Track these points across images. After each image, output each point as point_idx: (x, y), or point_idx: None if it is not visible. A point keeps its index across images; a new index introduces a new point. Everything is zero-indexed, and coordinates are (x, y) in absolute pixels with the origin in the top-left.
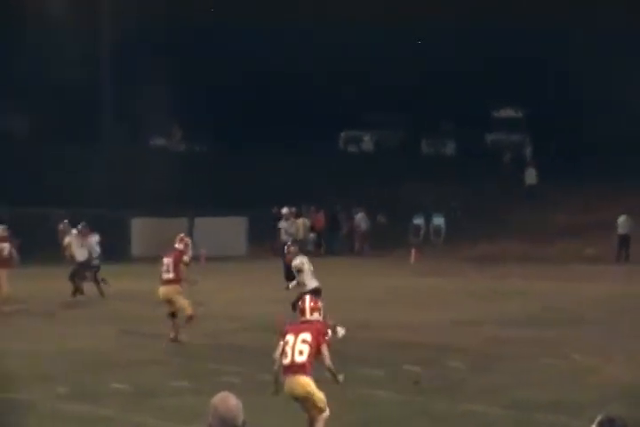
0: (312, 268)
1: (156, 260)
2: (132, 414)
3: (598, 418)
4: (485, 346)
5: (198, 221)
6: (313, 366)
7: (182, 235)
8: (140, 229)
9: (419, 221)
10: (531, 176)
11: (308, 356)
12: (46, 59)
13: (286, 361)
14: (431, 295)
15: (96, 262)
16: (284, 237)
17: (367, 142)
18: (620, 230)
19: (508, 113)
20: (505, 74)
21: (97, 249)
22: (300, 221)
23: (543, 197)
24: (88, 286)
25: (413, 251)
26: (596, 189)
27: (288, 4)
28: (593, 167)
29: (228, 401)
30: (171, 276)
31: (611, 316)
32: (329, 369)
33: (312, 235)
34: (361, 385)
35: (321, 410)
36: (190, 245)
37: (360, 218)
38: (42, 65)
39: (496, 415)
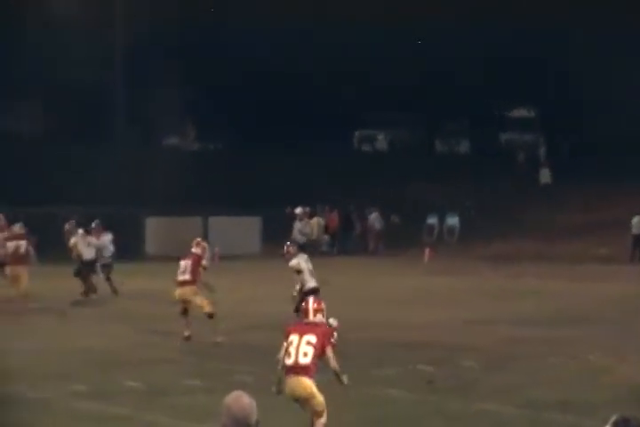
0: (311, 266)
1: (170, 259)
2: (145, 413)
3: (613, 418)
4: (499, 345)
5: (212, 220)
6: (317, 368)
7: (199, 239)
8: (155, 228)
9: (432, 220)
10: (545, 175)
11: (313, 358)
12: (61, 61)
13: (289, 362)
14: (445, 295)
15: (109, 261)
16: (297, 236)
17: (381, 141)
18: (635, 230)
19: (520, 113)
20: (516, 74)
21: (110, 248)
22: (315, 220)
23: (557, 196)
24: (99, 285)
25: (427, 250)
26: (610, 188)
27: (288, 4)
28: (606, 166)
29: (242, 400)
30: (187, 277)
31: (624, 316)
32: (334, 371)
33: (325, 236)
34: (374, 385)
35: (319, 415)
36: (207, 248)
37: (374, 218)
38: (57, 67)
39: (510, 415)
